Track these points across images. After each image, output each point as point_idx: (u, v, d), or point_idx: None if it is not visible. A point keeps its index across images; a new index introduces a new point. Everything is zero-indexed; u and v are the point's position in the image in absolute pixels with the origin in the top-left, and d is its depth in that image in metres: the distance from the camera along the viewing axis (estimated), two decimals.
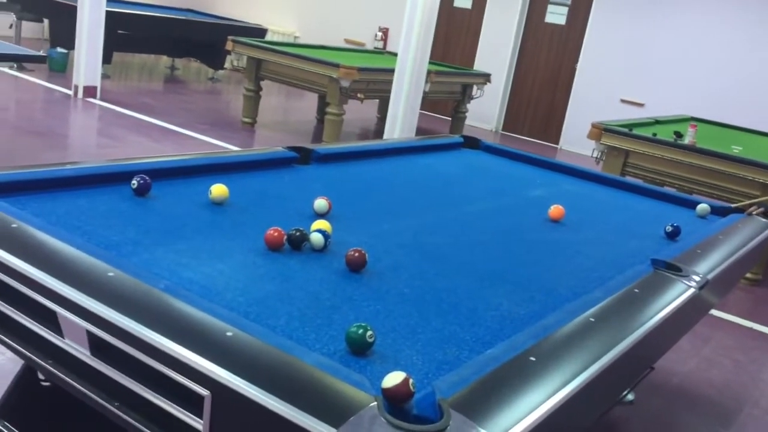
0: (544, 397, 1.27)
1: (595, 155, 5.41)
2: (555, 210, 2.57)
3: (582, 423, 1.63)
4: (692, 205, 3.11)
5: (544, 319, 1.62)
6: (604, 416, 2.82)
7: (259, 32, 9.85)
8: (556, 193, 3.04)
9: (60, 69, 8.56)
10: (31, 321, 1.48)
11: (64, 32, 8.43)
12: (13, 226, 1.57)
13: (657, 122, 6.24)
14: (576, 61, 9.45)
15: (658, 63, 8.81)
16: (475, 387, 1.24)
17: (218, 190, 2.13)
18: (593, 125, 5.37)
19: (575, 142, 9.26)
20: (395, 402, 1.17)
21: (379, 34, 10.86)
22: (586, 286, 1.92)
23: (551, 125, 9.78)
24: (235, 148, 6.06)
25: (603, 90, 9.16)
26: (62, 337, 1.43)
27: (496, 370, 1.31)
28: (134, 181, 2.07)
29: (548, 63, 9.76)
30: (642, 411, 3.07)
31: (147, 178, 2.09)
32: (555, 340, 1.49)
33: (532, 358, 1.38)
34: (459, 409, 1.14)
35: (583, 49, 9.36)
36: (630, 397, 3.10)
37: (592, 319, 1.62)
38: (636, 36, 8.92)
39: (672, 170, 5.10)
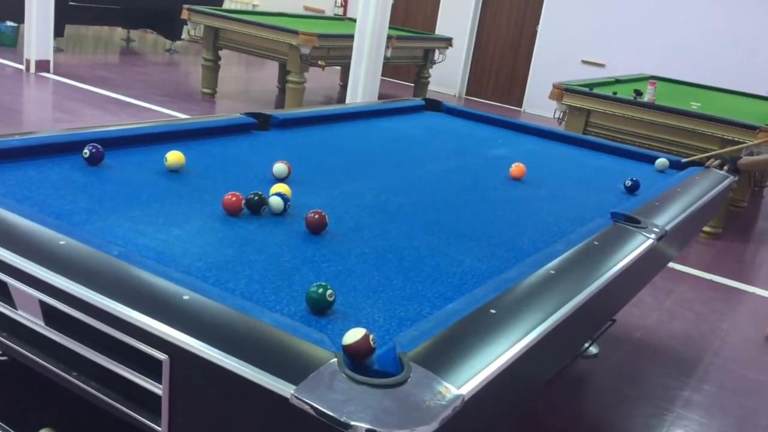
0: (505, 348, 1.28)
1: (557, 116, 5.43)
2: (516, 168, 2.57)
3: (544, 373, 1.65)
4: (651, 160, 3.14)
5: (506, 273, 1.62)
6: (567, 369, 2.87)
7: (217, 1, 9.64)
8: (517, 152, 3.05)
9: (10, 43, 8.30)
10: None
11: (12, 5, 8.15)
12: None
13: (617, 81, 6.28)
14: (537, 23, 9.44)
15: (618, 23, 8.84)
16: (436, 340, 1.24)
17: (174, 156, 2.09)
18: (554, 86, 5.38)
19: (538, 104, 9.29)
20: (356, 358, 1.17)
21: (339, 0, 10.70)
22: (547, 240, 1.94)
23: (514, 88, 9.79)
24: None
25: (564, 51, 9.18)
26: (15, 308, 1.39)
27: (457, 323, 1.31)
28: (86, 150, 2.01)
29: (509, 26, 9.73)
30: (606, 364, 3.13)
31: (99, 146, 2.04)
32: (516, 292, 1.50)
33: (493, 311, 1.38)
34: (420, 362, 1.14)
35: (543, 10, 9.34)
36: (593, 350, 3.16)
37: (553, 272, 1.63)
38: None
39: (633, 128, 5.14)
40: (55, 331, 1.34)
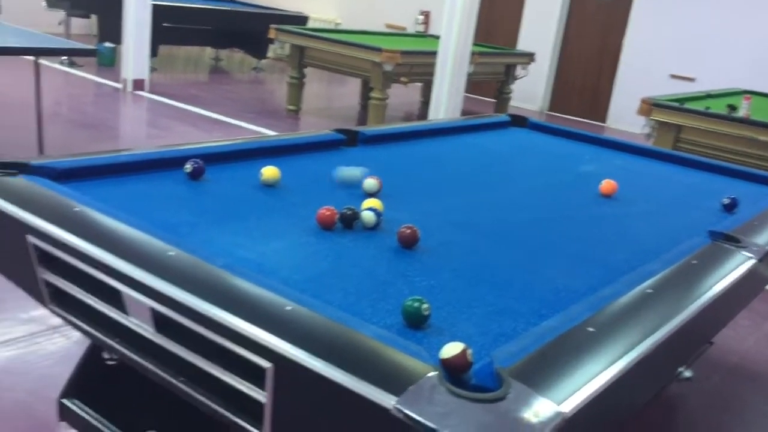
0: (604, 366, 1.26)
1: (645, 131, 5.29)
2: (607, 185, 2.53)
3: (641, 395, 1.62)
4: (748, 177, 3.03)
5: (600, 291, 1.60)
6: (661, 392, 2.79)
7: (301, 20, 9.89)
8: (606, 168, 3.00)
9: (109, 63, 8.74)
10: (97, 301, 1.53)
11: (111, 27, 8.59)
12: (75, 209, 1.62)
13: (709, 96, 6.07)
14: (622, 36, 9.25)
15: (708, 36, 8.57)
16: (534, 357, 1.24)
17: (269, 172, 2.16)
18: (643, 101, 5.25)
19: (623, 119, 9.08)
20: (454, 372, 1.18)
21: (421, 17, 10.79)
22: (641, 258, 1.89)
23: (598, 103, 9.61)
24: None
25: (651, 65, 8.95)
26: (127, 315, 1.47)
27: (555, 340, 1.30)
28: (188, 166, 2.11)
29: (594, 40, 9.57)
30: (700, 388, 3.02)
31: (200, 162, 2.13)
32: (612, 311, 1.48)
33: (591, 329, 1.37)
34: (519, 378, 1.15)
35: (629, 23, 9.15)
36: (688, 373, 3.05)
37: (650, 291, 1.60)
38: (685, 9, 8.68)
39: (726, 144, 4.95)
40: (165, 338, 1.41)
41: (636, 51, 9.10)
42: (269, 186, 2.16)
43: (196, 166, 2.10)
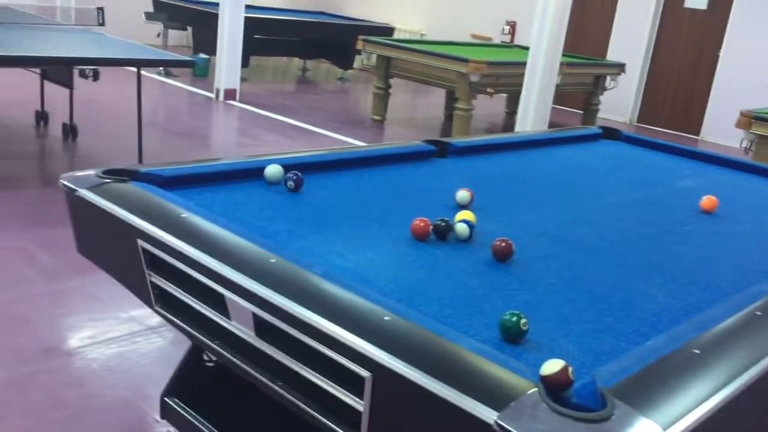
0: (711, 390, 1.22)
1: (743, 145, 5.08)
2: (708, 201, 2.44)
3: (745, 424, 1.55)
4: None
5: (705, 312, 1.55)
6: (762, 422, 2.65)
7: (387, 31, 10.00)
8: (706, 183, 2.89)
9: (202, 74, 9.07)
10: (201, 304, 1.59)
11: (206, 39, 8.93)
12: (182, 216, 1.69)
13: None
14: (719, 47, 8.91)
15: None
16: (638, 377, 1.21)
17: (272, 169, 2.19)
18: (742, 113, 5.04)
19: (718, 132, 8.74)
20: (554, 389, 1.16)
21: (507, 27, 10.71)
22: (748, 278, 1.82)
23: (691, 115, 9.28)
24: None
25: (749, 77, 8.58)
26: (229, 319, 1.52)
27: (659, 360, 1.26)
28: (290, 183, 2.13)
29: (687, 50, 9.26)
30: None
31: (299, 174, 2.16)
32: (719, 332, 1.42)
33: (696, 351, 1.32)
34: (622, 398, 1.12)
35: (726, 34, 8.80)
36: None
37: (759, 313, 1.53)
38: None
39: None
40: (265, 343, 1.44)
41: (734, 62, 8.75)
42: (273, 184, 2.19)
43: (296, 178, 2.14)
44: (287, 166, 2.32)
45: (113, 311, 3.00)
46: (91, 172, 1.91)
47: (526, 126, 6.32)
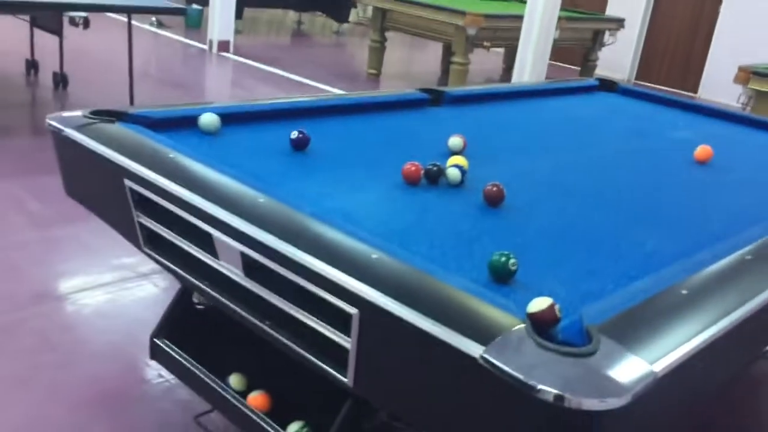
0: (698, 329, 1.22)
1: (741, 101, 5.04)
2: (702, 151, 2.42)
3: (730, 367, 1.56)
4: None
5: (695, 256, 1.54)
6: (750, 365, 2.69)
7: None
8: (701, 135, 2.87)
9: (195, 25, 8.93)
10: (189, 245, 1.58)
11: None
12: (170, 156, 1.67)
13: None
14: (720, 2, 8.78)
15: None
16: (625, 315, 1.21)
17: (207, 119, 2.02)
18: (740, 68, 4.99)
19: (717, 90, 8.67)
20: (541, 326, 1.16)
21: None
22: (739, 225, 1.81)
23: (690, 72, 9.20)
24: None
25: (750, 33, 8.48)
26: (217, 259, 1.51)
27: (646, 300, 1.26)
28: (294, 132, 2.00)
29: (688, 5, 9.13)
30: None
31: (305, 132, 2.02)
32: (708, 275, 1.42)
33: (684, 291, 1.32)
34: (609, 335, 1.12)
35: None
36: None
37: (749, 257, 1.53)
38: None
39: None
40: (253, 282, 1.44)
41: (734, 17, 8.64)
42: (210, 134, 2.03)
43: (301, 136, 1.99)
44: (282, 112, 2.30)
45: (105, 258, 2.99)
46: (78, 112, 1.88)
47: (522, 80, 6.26)
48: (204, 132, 2.02)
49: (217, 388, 1.70)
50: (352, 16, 10.33)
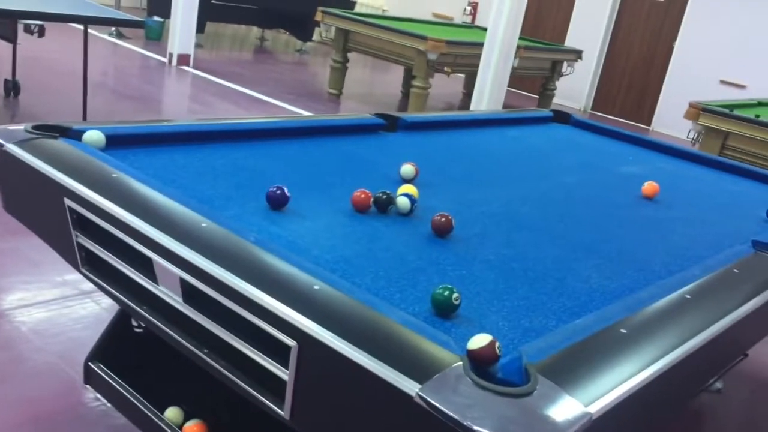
0: (636, 369, 1.23)
1: (691, 136, 5.17)
2: (649, 186, 2.47)
3: (670, 404, 1.57)
4: None
5: (636, 294, 1.56)
6: (689, 401, 2.73)
7: (348, 4, 9.87)
8: (649, 170, 2.93)
9: (156, 37, 8.83)
10: (129, 268, 1.54)
11: (160, 1, 8.68)
12: (113, 175, 1.63)
13: (760, 104, 5.91)
14: (674, 38, 9.05)
15: (762, 43, 8.33)
16: (563, 354, 1.21)
17: (92, 136, 1.89)
18: (691, 105, 5.12)
19: (669, 123, 8.90)
20: (480, 364, 1.15)
21: (468, 8, 10.69)
22: (681, 263, 1.84)
23: (644, 105, 9.43)
24: None
25: (702, 70, 8.75)
26: (156, 284, 1.48)
27: (586, 339, 1.27)
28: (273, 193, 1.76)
29: (644, 40, 9.38)
30: (729, 401, 2.95)
31: (284, 190, 1.77)
32: (648, 314, 1.44)
33: (623, 330, 1.33)
34: (547, 375, 1.12)
35: (682, 25, 8.94)
36: (718, 385, 2.98)
37: (688, 296, 1.55)
38: (740, 14, 8.45)
39: None
40: (192, 309, 1.41)
41: (687, 54, 8.90)
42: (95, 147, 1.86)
43: (279, 193, 1.76)
44: (236, 132, 2.27)
45: (47, 274, 2.91)
46: (21, 126, 1.82)
47: (480, 106, 6.33)
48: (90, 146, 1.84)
49: (153, 418, 1.65)
50: (316, 35, 10.35)
